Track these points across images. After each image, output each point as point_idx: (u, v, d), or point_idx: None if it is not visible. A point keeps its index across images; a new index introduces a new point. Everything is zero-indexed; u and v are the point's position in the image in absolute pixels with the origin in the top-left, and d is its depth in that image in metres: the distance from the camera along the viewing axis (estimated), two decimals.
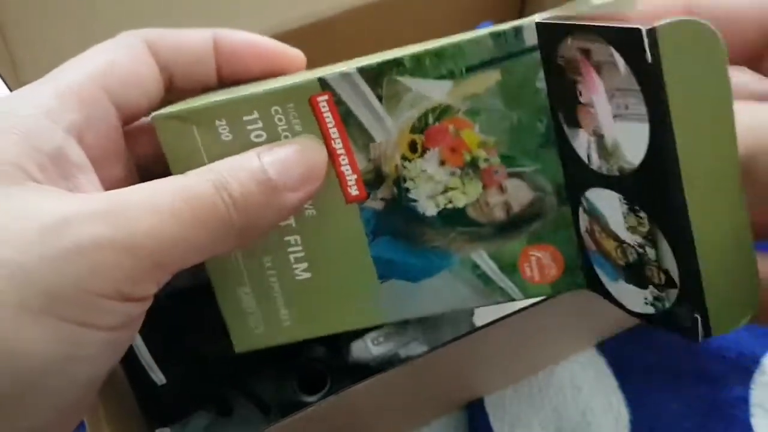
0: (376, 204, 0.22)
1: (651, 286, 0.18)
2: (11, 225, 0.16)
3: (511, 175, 0.21)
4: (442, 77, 0.20)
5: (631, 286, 0.19)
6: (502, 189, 0.21)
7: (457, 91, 0.20)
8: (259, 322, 0.23)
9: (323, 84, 0.21)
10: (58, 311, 0.16)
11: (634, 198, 0.18)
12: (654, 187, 0.17)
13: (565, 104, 0.19)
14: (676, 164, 0.16)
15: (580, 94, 0.18)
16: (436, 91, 0.20)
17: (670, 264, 0.17)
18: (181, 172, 0.20)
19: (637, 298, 0.19)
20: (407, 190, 0.21)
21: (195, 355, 0.36)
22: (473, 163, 0.21)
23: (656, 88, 0.16)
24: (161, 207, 0.17)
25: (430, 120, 0.21)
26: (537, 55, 0.19)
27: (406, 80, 0.20)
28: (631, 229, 0.18)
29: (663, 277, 0.18)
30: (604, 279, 0.20)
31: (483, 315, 0.41)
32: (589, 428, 0.42)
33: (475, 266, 0.21)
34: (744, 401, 0.42)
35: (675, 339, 0.45)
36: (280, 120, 0.21)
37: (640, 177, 0.17)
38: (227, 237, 0.18)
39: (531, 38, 0.19)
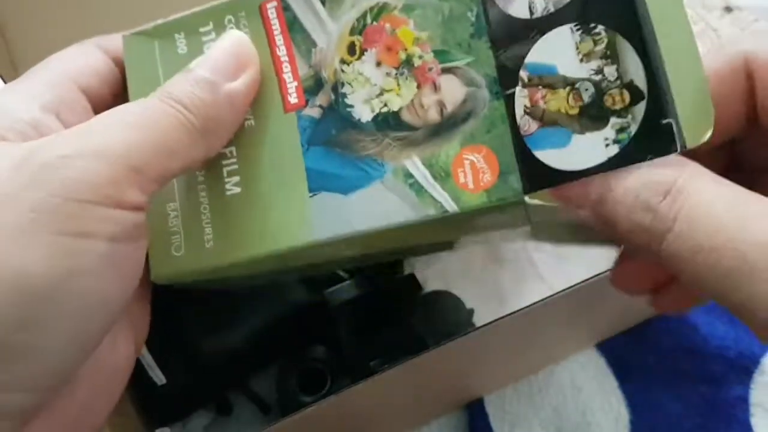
0: (313, 111, 0.22)
1: (613, 117, 0.19)
2: None
3: (444, 71, 0.21)
4: None
5: (588, 134, 0.19)
6: (435, 87, 0.21)
7: None
8: (180, 243, 0.22)
9: None
10: (50, 225, 0.17)
11: (587, 15, 0.18)
12: None
13: None
14: None
15: None
16: None
17: (635, 70, 0.18)
18: (137, 89, 0.22)
19: (596, 147, 0.19)
20: (344, 95, 0.21)
21: (195, 355, 0.36)
22: (408, 62, 0.21)
23: None
24: (119, 123, 0.19)
25: (368, 20, 0.21)
26: None
27: None
28: (587, 56, 0.19)
29: (627, 96, 0.18)
30: (553, 154, 0.19)
31: (483, 315, 0.41)
32: (589, 428, 0.42)
33: (408, 175, 0.21)
34: (744, 401, 0.42)
35: (675, 339, 0.45)
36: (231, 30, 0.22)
37: None
38: (194, 138, 0.20)
39: None
